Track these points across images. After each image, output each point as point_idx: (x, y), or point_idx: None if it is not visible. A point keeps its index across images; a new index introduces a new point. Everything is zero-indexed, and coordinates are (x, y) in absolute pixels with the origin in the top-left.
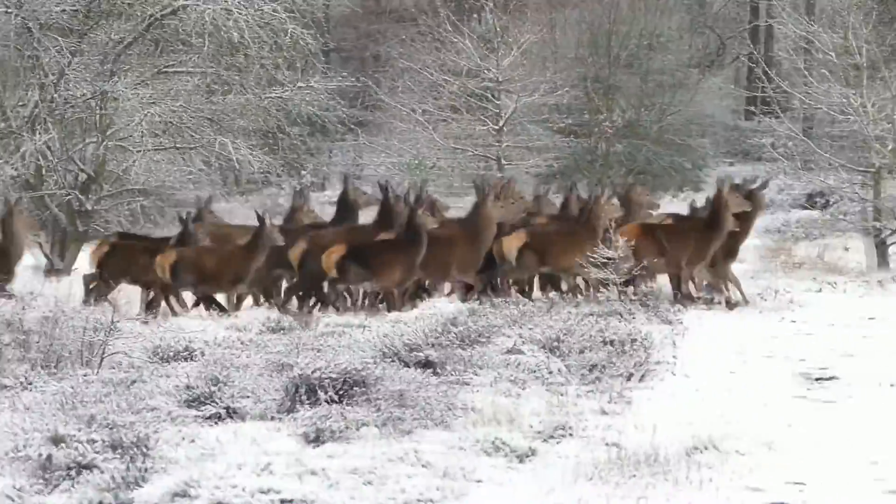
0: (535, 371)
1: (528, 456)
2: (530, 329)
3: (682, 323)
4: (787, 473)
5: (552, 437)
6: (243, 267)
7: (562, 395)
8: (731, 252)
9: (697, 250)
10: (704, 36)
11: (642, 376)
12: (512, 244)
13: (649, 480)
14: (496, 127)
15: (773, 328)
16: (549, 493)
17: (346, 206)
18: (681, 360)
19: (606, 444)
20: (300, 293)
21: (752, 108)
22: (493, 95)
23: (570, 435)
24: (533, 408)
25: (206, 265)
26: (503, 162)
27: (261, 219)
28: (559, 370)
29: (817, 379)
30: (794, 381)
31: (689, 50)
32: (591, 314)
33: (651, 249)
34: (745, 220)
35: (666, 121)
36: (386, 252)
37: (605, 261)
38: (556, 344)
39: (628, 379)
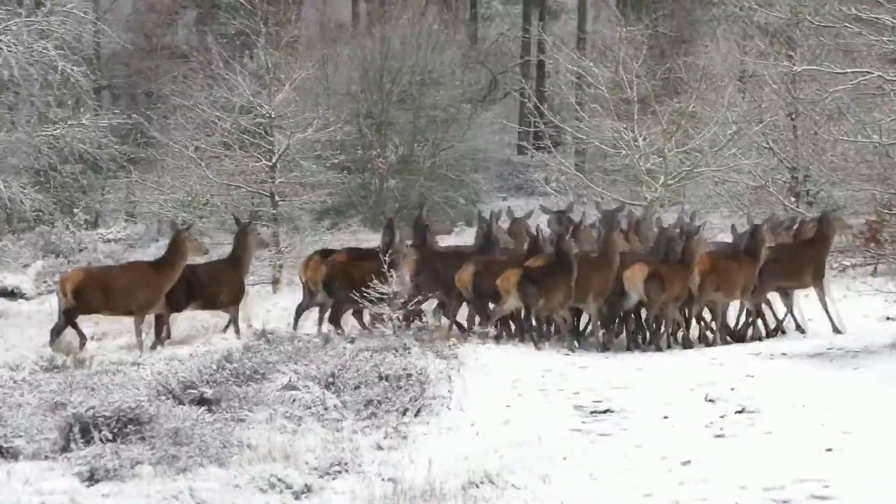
0: (310, 407)
1: (304, 492)
2: (305, 365)
3: (457, 357)
4: None
5: (328, 473)
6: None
7: (338, 430)
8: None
9: (750, 280)
10: (477, 71)
11: (418, 411)
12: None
13: None
14: (269, 163)
15: (548, 361)
16: None
17: (488, 240)
18: (456, 395)
19: (383, 480)
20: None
21: (525, 143)
22: (266, 132)
23: (347, 471)
24: (309, 444)
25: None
26: (277, 198)
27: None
28: (335, 406)
29: (592, 412)
30: (570, 414)
31: (461, 85)
32: (367, 349)
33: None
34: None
35: (439, 156)
36: (551, 275)
37: (382, 295)
38: (331, 380)
39: (404, 414)
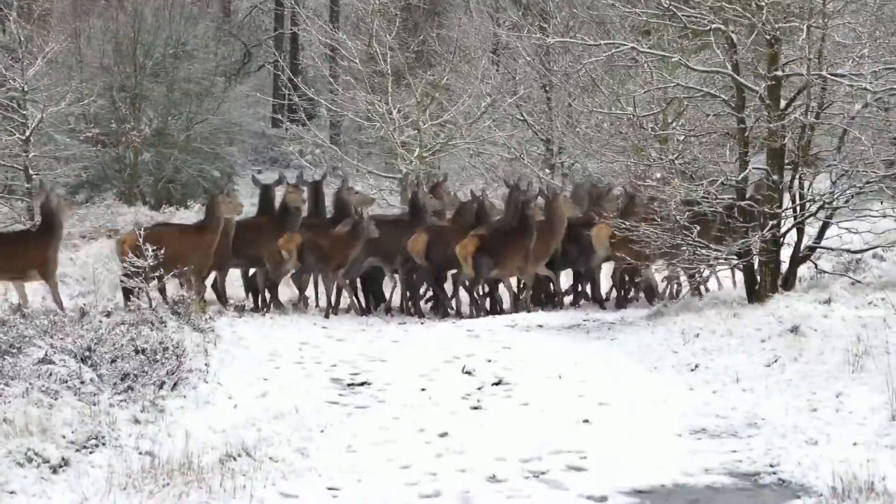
0: (66, 381)
1: (61, 466)
2: (62, 339)
3: (213, 331)
4: (321, 479)
5: (85, 446)
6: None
7: (94, 404)
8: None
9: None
10: (230, 44)
11: (175, 384)
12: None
13: (183, 489)
14: (23, 137)
15: (305, 334)
16: None
17: (417, 208)
18: (213, 368)
19: (140, 453)
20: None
21: (279, 116)
22: (19, 105)
23: (104, 444)
24: (65, 418)
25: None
26: (31, 172)
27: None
28: (91, 380)
29: (350, 384)
30: (327, 387)
31: (215, 58)
32: (123, 323)
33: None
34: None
35: (194, 129)
36: (509, 242)
37: (136, 269)
38: (87, 353)
39: (161, 387)
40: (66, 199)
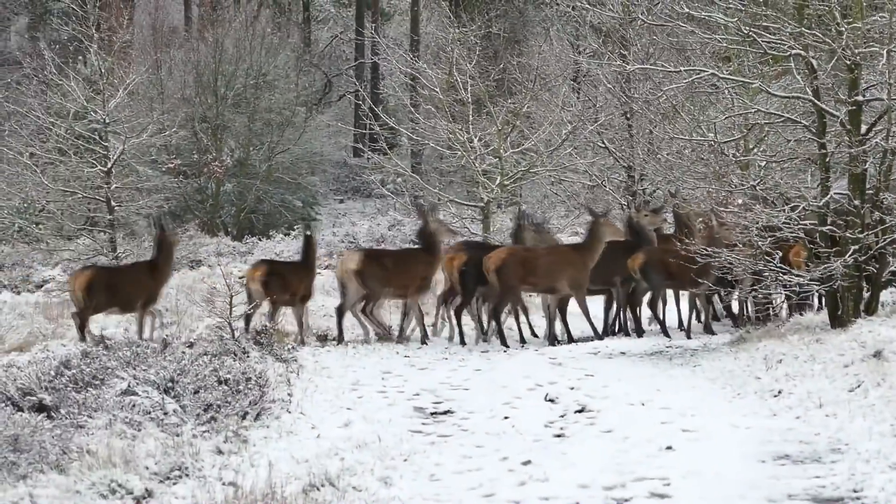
0: (150, 412)
1: (144, 497)
2: (144, 370)
3: (296, 361)
4: None
5: (169, 478)
6: None
7: (177, 435)
8: None
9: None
10: (311, 74)
11: (258, 415)
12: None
13: None
14: (105, 169)
15: (387, 363)
16: None
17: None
18: (296, 398)
19: (223, 484)
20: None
21: (361, 146)
22: (100, 137)
23: (187, 475)
24: (149, 449)
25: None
26: (113, 204)
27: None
28: (174, 411)
29: (433, 413)
30: (410, 416)
31: (296, 88)
32: (206, 354)
33: None
34: None
35: (275, 159)
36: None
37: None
38: (170, 384)
39: (244, 418)
40: (442, 223)
